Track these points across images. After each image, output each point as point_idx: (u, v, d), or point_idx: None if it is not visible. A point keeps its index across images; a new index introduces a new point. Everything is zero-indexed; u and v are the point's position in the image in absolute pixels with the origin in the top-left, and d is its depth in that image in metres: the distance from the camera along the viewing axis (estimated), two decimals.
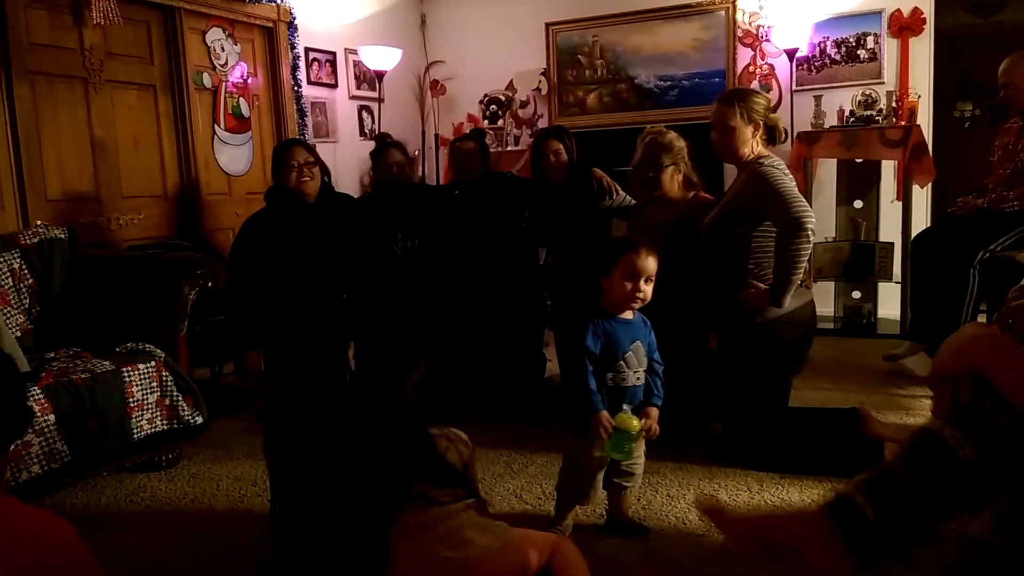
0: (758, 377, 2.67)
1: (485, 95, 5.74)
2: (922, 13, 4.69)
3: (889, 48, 4.77)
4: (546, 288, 3.76)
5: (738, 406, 2.71)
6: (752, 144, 2.71)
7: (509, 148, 5.57)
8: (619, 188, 3.44)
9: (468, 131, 5.56)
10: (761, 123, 2.70)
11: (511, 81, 5.76)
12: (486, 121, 5.67)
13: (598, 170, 3.51)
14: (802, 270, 2.56)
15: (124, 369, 2.60)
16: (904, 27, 4.72)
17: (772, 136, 2.75)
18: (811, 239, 2.52)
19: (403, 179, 3.70)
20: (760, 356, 2.67)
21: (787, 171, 2.66)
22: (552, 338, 3.76)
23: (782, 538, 1.08)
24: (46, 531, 1.16)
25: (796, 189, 2.59)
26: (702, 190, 3.12)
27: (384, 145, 3.75)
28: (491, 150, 5.34)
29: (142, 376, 2.64)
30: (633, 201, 3.34)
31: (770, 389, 2.69)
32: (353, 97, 5.35)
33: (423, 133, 5.82)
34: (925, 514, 1.02)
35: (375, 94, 5.26)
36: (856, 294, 4.72)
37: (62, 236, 3.12)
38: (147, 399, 2.65)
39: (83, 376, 2.49)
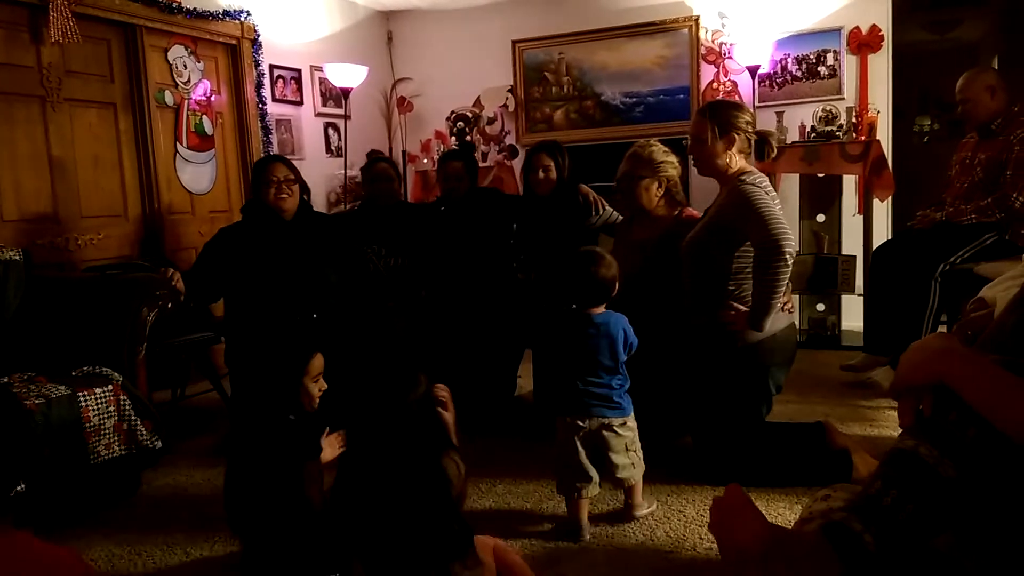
0: (737, 398, 2.64)
1: (452, 112, 5.75)
2: (880, 30, 4.79)
3: (849, 65, 4.86)
4: (528, 304, 3.72)
5: (711, 423, 2.68)
6: (728, 158, 2.64)
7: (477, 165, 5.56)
8: (605, 204, 3.43)
9: (435, 147, 5.58)
10: (737, 137, 2.63)
11: (478, 98, 5.78)
12: (453, 138, 5.67)
13: (584, 186, 3.51)
14: (781, 294, 2.50)
15: (80, 393, 2.54)
16: (863, 44, 4.81)
17: (760, 152, 2.70)
18: (790, 262, 2.44)
19: (391, 195, 3.69)
20: (741, 379, 2.63)
21: (770, 189, 2.60)
22: (528, 355, 3.73)
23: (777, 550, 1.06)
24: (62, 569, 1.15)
25: (777, 209, 2.50)
26: (688, 208, 3.12)
27: (374, 160, 3.76)
28: None
29: (99, 400, 2.57)
30: (620, 217, 3.33)
31: (747, 410, 2.66)
32: (319, 114, 5.32)
33: (390, 150, 5.80)
34: (919, 537, 1.01)
35: (341, 111, 5.23)
36: (820, 306, 4.78)
37: (17, 257, 3.04)
38: (104, 424, 2.58)
39: (37, 401, 2.42)
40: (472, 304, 3.58)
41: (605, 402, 2.36)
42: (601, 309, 2.43)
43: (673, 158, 3.01)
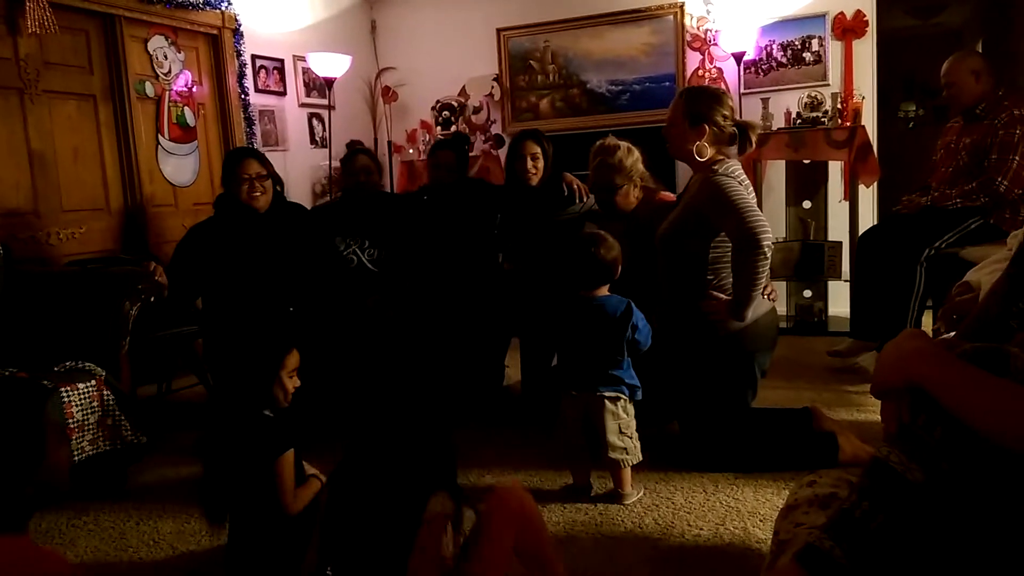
0: (722, 385, 2.64)
1: (438, 101, 5.71)
2: (865, 15, 4.78)
3: (833, 50, 4.86)
4: (514, 294, 3.71)
5: (698, 410, 2.69)
6: (699, 147, 2.58)
7: None
8: (588, 191, 3.42)
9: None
10: (709, 129, 2.57)
11: (463, 87, 5.74)
12: (439, 127, 5.64)
13: (569, 174, 3.50)
14: (762, 285, 2.48)
15: (63, 389, 2.51)
16: (847, 29, 4.81)
17: (737, 143, 2.62)
18: (768, 254, 2.40)
19: (371, 186, 3.61)
20: (725, 366, 2.63)
21: (743, 178, 2.56)
22: (516, 344, 3.72)
23: None
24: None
25: (751, 200, 2.46)
26: (663, 191, 3.14)
27: (353, 152, 3.70)
28: None
29: (82, 396, 2.55)
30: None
31: (733, 397, 2.66)
32: (303, 105, 5.28)
33: (375, 140, 5.77)
34: (891, 546, 1.02)
35: (325, 101, 5.19)
36: (807, 293, 4.79)
37: None
38: (88, 420, 2.55)
39: None
40: (456, 295, 3.55)
41: (603, 380, 2.45)
42: (604, 291, 2.51)
43: (637, 153, 3.04)
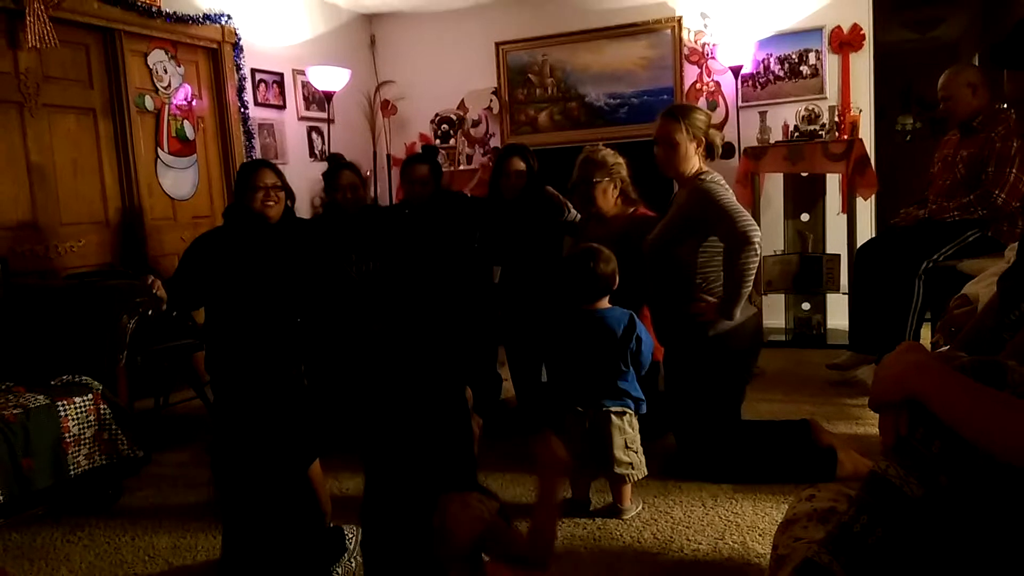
0: (713, 389, 2.69)
1: (436, 115, 5.72)
2: (861, 29, 4.80)
3: (831, 64, 4.88)
4: (499, 306, 3.73)
5: (692, 419, 2.71)
6: (694, 160, 2.72)
7: (462, 167, 5.55)
8: (571, 206, 3.45)
9: (420, 149, 5.53)
10: (703, 139, 2.72)
11: (462, 100, 5.76)
12: (438, 140, 5.65)
13: (550, 187, 3.52)
14: (751, 283, 2.58)
15: (59, 403, 2.50)
16: (844, 43, 4.83)
17: (711, 152, 2.78)
18: (759, 251, 2.55)
19: (356, 201, 3.60)
20: (714, 368, 2.68)
21: (726, 185, 2.69)
22: (505, 356, 3.73)
23: None
24: None
25: (738, 203, 2.61)
26: (643, 206, 3.16)
27: (336, 166, 3.68)
28: (443, 170, 5.34)
29: (78, 410, 2.54)
30: (579, 217, 3.38)
31: (725, 400, 2.71)
32: (302, 118, 5.29)
33: (374, 154, 5.78)
34: (889, 560, 1.01)
35: (324, 115, 5.20)
36: (805, 306, 4.78)
37: None
38: (84, 434, 2.55)
39: (15, 412, 2.39)
40: (441, 306, 3.55)
41: (609, 393, 2.45)
42: (604, 304, 2.53)
43: (622, 160, 3.12)
